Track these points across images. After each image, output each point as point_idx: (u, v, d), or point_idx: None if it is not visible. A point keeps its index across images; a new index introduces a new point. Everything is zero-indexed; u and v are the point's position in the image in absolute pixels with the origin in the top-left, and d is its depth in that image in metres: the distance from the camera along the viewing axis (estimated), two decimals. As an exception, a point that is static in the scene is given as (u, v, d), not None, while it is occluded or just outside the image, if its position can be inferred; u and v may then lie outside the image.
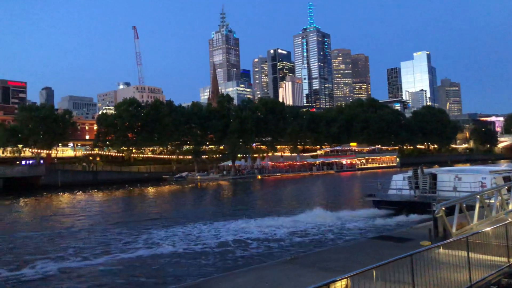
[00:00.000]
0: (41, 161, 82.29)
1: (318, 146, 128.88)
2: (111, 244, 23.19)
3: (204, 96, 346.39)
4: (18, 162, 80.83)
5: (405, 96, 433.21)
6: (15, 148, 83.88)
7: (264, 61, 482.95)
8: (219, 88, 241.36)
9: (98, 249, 22.11)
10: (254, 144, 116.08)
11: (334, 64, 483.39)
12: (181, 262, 18.73)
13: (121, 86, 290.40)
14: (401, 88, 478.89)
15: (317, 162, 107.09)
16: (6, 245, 24.37)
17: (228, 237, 23.37)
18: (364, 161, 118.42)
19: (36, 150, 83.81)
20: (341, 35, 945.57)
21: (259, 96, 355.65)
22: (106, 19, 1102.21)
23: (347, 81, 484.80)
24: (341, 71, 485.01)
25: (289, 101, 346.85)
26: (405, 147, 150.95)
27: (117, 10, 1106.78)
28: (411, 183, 29.71)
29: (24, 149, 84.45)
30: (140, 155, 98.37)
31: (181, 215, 35.63)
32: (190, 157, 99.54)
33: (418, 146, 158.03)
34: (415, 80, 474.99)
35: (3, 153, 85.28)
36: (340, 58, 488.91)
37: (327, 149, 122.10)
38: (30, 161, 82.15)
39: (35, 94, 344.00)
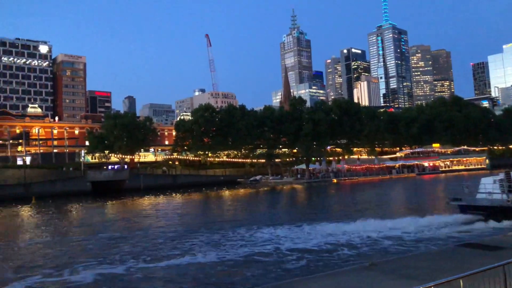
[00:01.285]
0: (125, 166, 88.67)
1: (398, 148, 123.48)
2: (194, 245, 24.22)
3: (276, 100, 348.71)
4: (105, 167, 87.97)
5: (494, 93, 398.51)
6: (102, 154, 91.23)
7: (337, 61, 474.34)
8: (291, 90, 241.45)
9: (180, 249, 23.20)
10: (328, 147, 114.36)
11: (413, 62, 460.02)
12: (256, 265, 18.97)
13: (196, 93, 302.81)
14: (489, 84, 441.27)
15: (397, 165, 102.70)
16: (91, 245, 26.47)
17: (305, 241, 23.25)
18: (448, 163, 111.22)
19: (120, 156, 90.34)
20: (419, 31, 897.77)
21: (332, 97, 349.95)
22: (181, 29, 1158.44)
23: (427, 78, 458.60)
24: (421, 69, 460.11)
25: (364, 102, 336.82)
26: (495, 147, 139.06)
27: (191, 19, 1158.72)
28: (503, 186, 27.28)
29: (110, 154, 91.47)
30: (216, 159, 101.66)
31: (257, 217, 36.14)
32: (264, 160, 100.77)
33: (511, 147, 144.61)
34: (505, 75, 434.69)
35: (92, 158, 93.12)
36: (419, 55, 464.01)
37: (407, 151, 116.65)
38: (116, 166, 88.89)
39: (119, 103, 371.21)
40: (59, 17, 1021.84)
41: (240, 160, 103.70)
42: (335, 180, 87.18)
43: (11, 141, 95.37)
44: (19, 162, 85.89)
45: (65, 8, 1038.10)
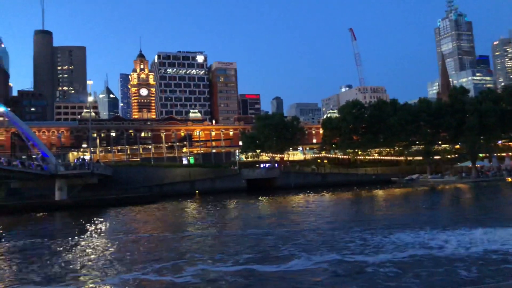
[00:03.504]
0: (276, 165, 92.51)
1: None
2: (347, 245, 23.80)
3: (432, 91, 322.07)
4: (257, 166, 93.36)
5: None
6: (254, 153, 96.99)
7: (507, 42, 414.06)
8: (450, 80, 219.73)
9: (326, 249, 22.99)
10: (499, 142, 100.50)
11: None
12: (419, 270, 17.58)
13: (343, 89, 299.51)
14: None
15: None
16: (242, 240, 28.01)
17: (469, 247, 20.79)
18: None
19: (271, 154, 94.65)
20: None
21: (502, 84, 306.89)
22: (324, 26, 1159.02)
23: None
24: None
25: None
26: None
27: (333, 14, 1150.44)
28: None
29: (261, 153, 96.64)
30: (366, 157, 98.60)
31: (416, 219, 33.73)
32: (421, 158, 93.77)
33: None
34: None
35: (245, 157, 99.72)
36: None
37: None
38: (267, 165, 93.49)
39: (267, 104, 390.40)
40: (211, 28, 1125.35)
41: (394, 158, 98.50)
42: (510, 179, 76.07)
43: (177, 143, 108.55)
44: (184, 161, 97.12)
45: (215, 19, 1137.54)
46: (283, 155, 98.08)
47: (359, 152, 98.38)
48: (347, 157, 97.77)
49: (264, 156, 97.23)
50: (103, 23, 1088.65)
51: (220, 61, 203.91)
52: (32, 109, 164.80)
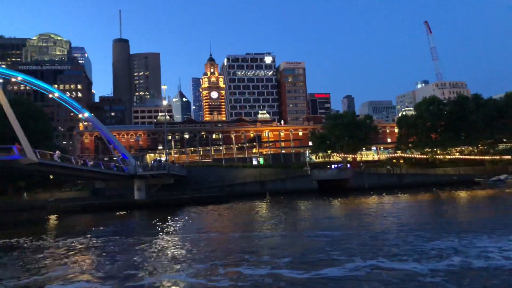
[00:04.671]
0: (348, 165, 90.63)
1: None
2: (424, 249, 22.73)
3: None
4: (328, 166, 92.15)
5: None
6: (325, 154, 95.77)
7: None
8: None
9: (411, 252, 22.05)
10: None
11: None
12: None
13: (419, 85, 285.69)
14: None
15: None
16: (323, 241, 27.68)
17: None
18: None
19: (342, 155, 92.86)
20: None
21: None
22: (396, 20, 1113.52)
23: None
24: None
25: None
26: None
27: (405, 7, 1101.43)
28: None
29: (332, 154, 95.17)
30: (446, 156, 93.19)
31: (500, 223, 31.26)
32: (509, 157, 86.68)
33: None
34: None
35: (316, 158, 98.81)
36: None
37: None
38: (339, 165, 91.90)
39: (338, 103, 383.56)
40: (279, 29, 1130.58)
41: (477, 157, 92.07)
42: None
43: (247, 144, 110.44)
44: (254, 162, 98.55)
45: (282, 20, 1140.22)
46: (355, 155, 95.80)
47: (438, 151, 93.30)
48: (424, 156, 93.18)
49: (335, 157, 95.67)
50: (176, 29, 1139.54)
51: (288, 61, 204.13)
52: (112, 114, 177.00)
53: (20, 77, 55.52)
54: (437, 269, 18.16)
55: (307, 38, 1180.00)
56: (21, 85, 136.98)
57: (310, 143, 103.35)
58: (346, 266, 19.34)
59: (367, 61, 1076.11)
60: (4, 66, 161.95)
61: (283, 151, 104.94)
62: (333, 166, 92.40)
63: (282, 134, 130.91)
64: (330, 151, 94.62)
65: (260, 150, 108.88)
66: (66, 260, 24.52)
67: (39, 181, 78.86)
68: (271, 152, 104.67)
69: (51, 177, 73.91)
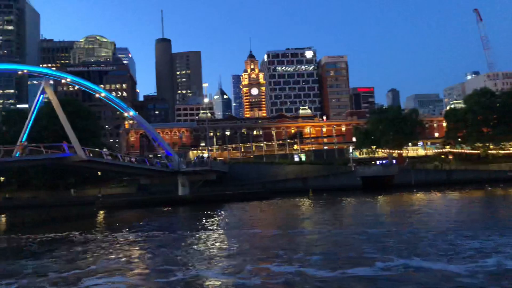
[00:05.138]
0: (393, 161, 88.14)
1: None
2: (465, 248, 21.69)
3: None
4: (373, 162, 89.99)
5: None
6: (369, 150, 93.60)
7: None
8: None
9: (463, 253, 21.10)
10: None
11: None
12: None
13: (468, 77, 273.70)
14: None
15: None
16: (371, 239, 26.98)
17: None
18: None
19: (387, 151, 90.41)
20: None
21: None
22: (442, 9, 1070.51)
23: None
24: None
25: None
26: None
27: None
28: None
29: (377, 149, 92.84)
30: (500, 151, 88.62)
31: None
32: None
33: None
34: None
35: (359, 154, 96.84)
36: None
37: None
38: (384, 161, 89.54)
39: (382, 97, 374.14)
40: (320, 23, 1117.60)
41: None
42: None
43: (288, 140, 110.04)
44: (296, 159, 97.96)
45: (323, 13, 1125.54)
46: (401, 151, 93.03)
47: (491, 146, 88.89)
48: (475, 151, 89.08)
49: (380, 152, 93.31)
50: (216, 27, 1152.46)
51: (329, 56, 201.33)
52: (156, 112, 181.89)
53: (69, 79, 58.11)
54: (477, 270, 17.21)
55: (349, 32, 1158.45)
56: (70, 86, 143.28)
57: (354, 139, 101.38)
58: (379, 265, 18.68)
59: (412, 53, 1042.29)
60: (54, 68, 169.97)
61: (326, 147, 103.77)
62: (378, 162, 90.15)
63: (324, 130, 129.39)
64: (374, 147, 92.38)
65: (302, 147, 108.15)
66: (110, 254, 25.35)
67: (88, 178, 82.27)
68: (313, 148, 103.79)
69: (99, 173, 76.94)
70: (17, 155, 47.03)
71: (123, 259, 23.45)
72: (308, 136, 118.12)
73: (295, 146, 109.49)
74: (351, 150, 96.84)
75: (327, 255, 21.62)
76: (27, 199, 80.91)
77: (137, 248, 27.55)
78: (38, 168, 70.18)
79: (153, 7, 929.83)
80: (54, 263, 23.18)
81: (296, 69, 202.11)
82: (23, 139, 53.39)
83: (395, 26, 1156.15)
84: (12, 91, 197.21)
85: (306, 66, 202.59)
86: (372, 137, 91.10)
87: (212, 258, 22.49)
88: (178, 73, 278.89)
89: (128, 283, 17.94)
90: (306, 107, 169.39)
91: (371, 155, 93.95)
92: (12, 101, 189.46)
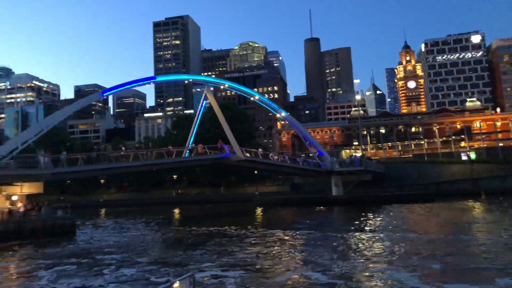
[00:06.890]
0: None
1: None
2: None
3: None
4: None
5: None
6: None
7: None
8: None
9: None
10: None
11: None
12: None
13: None
14: None
15: None
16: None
17: None
18: None
19: None
20: None
21: None
22: None
23: None
24: None
25: None
26: None
27: None
28: None
29: None
30: None
31: None
32: None
33: None
34: None
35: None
36: None
37: None
38: None
39: None
40: (488, 1, 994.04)
41: None
42: None
43: (453, 137, 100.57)
44: (463, 157, 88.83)
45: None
46: None
47: None
48: None
49: None
50: (366, 21, 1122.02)
51: (502, 38, 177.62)
52: (306, 112, 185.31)
53: (227, 84, 63.58)
54: None
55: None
56: (228, 91, 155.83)
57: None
58: None
59: None
60: (213, 76, 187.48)
61: (501, 144, 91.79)
62: None
63: (498, 124, 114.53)
64: None
65: (470, 144, 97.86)
66: (258, 250, 26.13)
67: (246, 176, 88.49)
68: (485, 145, 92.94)
69: (255, 172, 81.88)
70: (186, 155, 52.92)
71: (270, 256, 24.21)
72: (478, 131, 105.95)
73: (462, 143, 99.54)
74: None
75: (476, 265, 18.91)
76: (194, 195, 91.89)
77: (287, 246, 28.12)
78: (204, 167, 78.35)
79: (301, 8, 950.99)
80: (206, 254, 25.18)
81: (461, 56, 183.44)
82: (190, 142, 59.81)
83: None
84: (180, 98, 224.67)
85: (473, 53, 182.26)
86: None
87: (356, 260, 21.68)
88: (327, 71, 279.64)
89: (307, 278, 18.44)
90: (474, 99, 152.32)
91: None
92: (180, 107, 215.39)
